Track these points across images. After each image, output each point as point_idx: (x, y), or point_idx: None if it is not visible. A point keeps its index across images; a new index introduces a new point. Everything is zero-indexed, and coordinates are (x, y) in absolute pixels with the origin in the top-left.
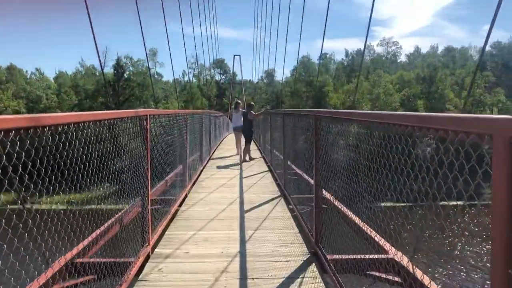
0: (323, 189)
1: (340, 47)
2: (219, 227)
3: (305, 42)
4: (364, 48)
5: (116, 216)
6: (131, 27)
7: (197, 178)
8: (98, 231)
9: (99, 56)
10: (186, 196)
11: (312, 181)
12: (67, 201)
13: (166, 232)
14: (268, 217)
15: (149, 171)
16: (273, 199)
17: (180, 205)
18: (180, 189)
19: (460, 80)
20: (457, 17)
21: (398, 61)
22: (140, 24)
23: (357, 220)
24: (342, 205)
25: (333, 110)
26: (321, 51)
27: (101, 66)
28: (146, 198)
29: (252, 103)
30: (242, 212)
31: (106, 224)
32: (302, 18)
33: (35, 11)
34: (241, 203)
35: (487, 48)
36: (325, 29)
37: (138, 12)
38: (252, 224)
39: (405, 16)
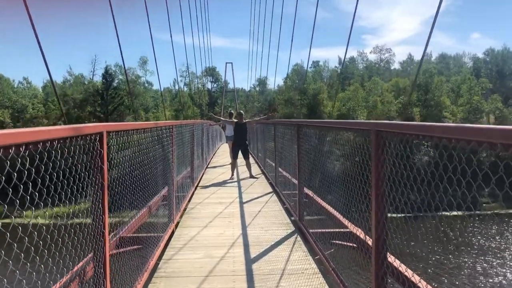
0: (388, 254)
1: (333, 55)
2: None
3: (297, 51)
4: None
5: None
6: (120, 34)
7: (188, 202)
8: None
9: (46, 63)
10: (173, 233)
11: (364, 237)
12: None
13: None
14: (286, 271)
15: (106, 218)
16: (286, 236)
17: (164, 249)
18: (163, 226)
19: (456, 87)
20: (446, 25)
21: (392, 68)
22: (116, 31)
23: None
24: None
25: (399, 122)
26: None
27: (49, 75)
28: (102, 255)
29: (242, 111)
30: (249, 261)
31: None
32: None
33: (24, 19)
34: (246, 245)
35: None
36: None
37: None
38: (265, 286)
39: (395, 24)
